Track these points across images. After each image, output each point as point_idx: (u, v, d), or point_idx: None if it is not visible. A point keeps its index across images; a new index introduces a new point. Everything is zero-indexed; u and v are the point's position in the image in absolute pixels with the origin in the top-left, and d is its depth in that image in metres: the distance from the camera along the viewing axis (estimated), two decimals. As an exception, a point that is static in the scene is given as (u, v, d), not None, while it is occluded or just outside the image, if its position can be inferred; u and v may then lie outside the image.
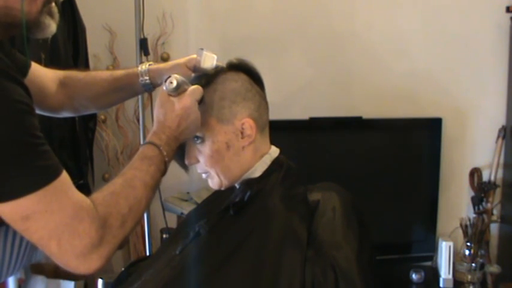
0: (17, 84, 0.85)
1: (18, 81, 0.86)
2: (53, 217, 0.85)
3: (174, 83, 1.06)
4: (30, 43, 1.83)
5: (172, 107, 1.06)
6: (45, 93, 1.23)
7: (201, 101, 1.11)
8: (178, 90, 1.07)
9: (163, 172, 1.03)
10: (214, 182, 1.18)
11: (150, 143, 1.03)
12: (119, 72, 1.28)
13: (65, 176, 0.89)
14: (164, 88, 1.07)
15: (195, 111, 1.08)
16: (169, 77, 1.06)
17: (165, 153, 1.02)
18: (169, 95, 1.07)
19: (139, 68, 1.24)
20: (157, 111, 1.08)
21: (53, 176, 0.86)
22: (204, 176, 1.20)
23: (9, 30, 1.00)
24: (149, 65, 1.24)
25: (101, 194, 0.93)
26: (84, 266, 0.87)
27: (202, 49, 1.16)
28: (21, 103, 0.85)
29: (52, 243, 0.85)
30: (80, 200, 0.88)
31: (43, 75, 1.23)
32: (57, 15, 1.05)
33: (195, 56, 1.18)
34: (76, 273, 0.89)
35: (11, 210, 0.83)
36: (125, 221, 0.92)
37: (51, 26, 1.04)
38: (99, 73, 1.31)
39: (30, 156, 0.84)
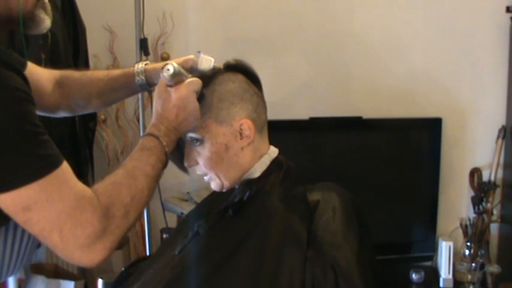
0: (15, 73, 0.85)
1: (16, 70, 0.86)
2: (54, 207, 0.84)
3: (171, 70, 1.05)
4: (30, 43, 1.83)
5: (169, 98, 1.06)
6: (41, 93, 1.23)
7: (201, 97, 1.10)
8: (175, 79, 1.06)
9: (165, 163, 1.03)
10: (216, 185, 1.18)
11: (149, 134, 1.03)
12: (115, 72, 1.28)
13: (66, 166, 0.88)
14: (161, 76, 1.07)
15: (193, 101, 1.07)
16: (166, 63, 1.06)
17: (164, 144, 1.02)
18: (168, 85, 1.07)
19: (135, 68, 1.24)
20: (155, 103, 1.08)
21: (54, 165, 0.85)
22: (205, 178, 1.20)
23: (5, 25, 0.99)
24: (145, 64, 1.24)
25: (102, 185, 0.92)
26: (88, 257, 0.87)
27: (199, 52, 1.16)
28: (20, 91, 0.84)
29: (54, 234, 0.84)
30: (81, 190, 0.88)
31: (39, 75, 1.23)
32: (50, 11, 1.05)
33: (192, 56, 1.18)
34: (80, 266, 0.88)
35: (12, 200, 0.82)
36: (128, 211, 0.92)
37: (46, 21, 1.04)
38: (95, 73, 1.30)
39: (31, 145, 0.83)
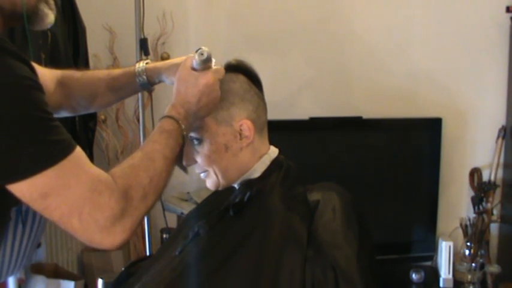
0: (22, 63, 0.85)
1: (23, 59, 0.86)
2: (72, 191, 0.84)
3: (205, 55, 1.06)
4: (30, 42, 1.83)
5: (195, 82, 1.06)
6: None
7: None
8: (204, 66, 1.08)
9: (182, 146, 1.03)
10: (212, 182, 1.18)
11: (169, 116, 1.03)
12: (116, 72, 1.28)
13: (79, 151, 0.88)
14: (194, 60, 1.08)
15: (217, 89, 1.09)
16: (200, 48, 1.07)
17: (183, 127, 1.03)
18: (193, 69, 1.08)
19: (136, 67, 1.24)
20: (178, 85, 1.08)
21: (68, 150, 0.85)
22: (202, 175, 1.19)
23: (9, 21, 0.99)
24: (146, 63, 1.24)
25: (120, 168, 0.93)
26: (109, 239, 0.87)
27: None
28: (28, 79, 0.84)
29: (73, 219, 0.85)
30: (97, 174, 0.88)
31: (41, 74, 1.23)
32: (53, 5, 1.05)
33: (193, 55, 1.18)
34: (102, 248, 0.89)
35: (29, 188, 0.82)
36: (146, 193, 0.92)
37: (50, 16, 1.04)
38: (96, 72, 1.30)
39: (43, 131, 0.83)
